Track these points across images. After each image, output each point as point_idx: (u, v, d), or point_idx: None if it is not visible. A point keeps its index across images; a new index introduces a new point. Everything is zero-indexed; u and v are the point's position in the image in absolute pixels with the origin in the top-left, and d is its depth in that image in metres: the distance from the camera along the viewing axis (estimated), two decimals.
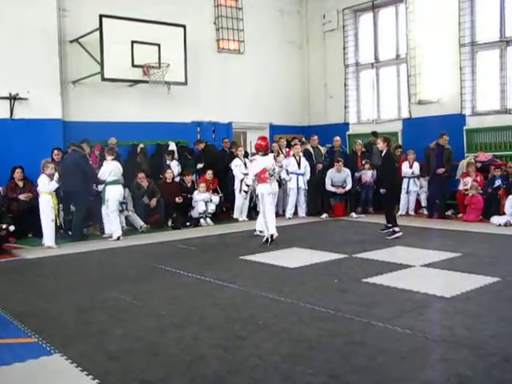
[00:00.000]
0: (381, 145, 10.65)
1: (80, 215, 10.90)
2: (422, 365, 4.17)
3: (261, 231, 10.27)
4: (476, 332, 4.80)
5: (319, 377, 3.96)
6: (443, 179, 12.42)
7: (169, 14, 13.62)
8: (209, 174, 13.00)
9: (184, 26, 13.59)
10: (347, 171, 13.33)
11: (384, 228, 10.63)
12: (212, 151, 14.15)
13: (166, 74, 13.14)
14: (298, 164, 13.17)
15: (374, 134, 14.58)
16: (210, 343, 4.72)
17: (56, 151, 11.50)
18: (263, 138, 10.24)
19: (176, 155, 13.90)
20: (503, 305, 5.63)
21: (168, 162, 13.45)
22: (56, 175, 10.02)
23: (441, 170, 12.31)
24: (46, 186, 9.89)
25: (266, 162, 9.94)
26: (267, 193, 9.85)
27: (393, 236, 10.09)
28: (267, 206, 9.85)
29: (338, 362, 4.21)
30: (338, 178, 13.29)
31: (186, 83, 13.77)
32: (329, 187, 13.31)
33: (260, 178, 9.92)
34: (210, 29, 15.42)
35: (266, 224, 9.80)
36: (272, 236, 9.74)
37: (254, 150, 11.69)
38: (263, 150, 9.97)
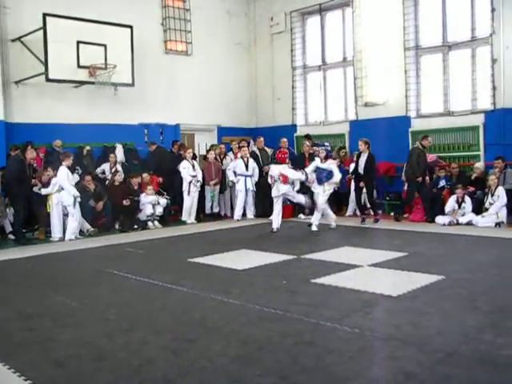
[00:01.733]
0: (362, 147, 12.01)
1: (18, 219, 10.79)
2: (370, 363, 4.22)
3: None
4: (422, 329, 4.88)
5: (268, 378, 3.95)
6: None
7: (115, 14, 13.46)
8: (145, 176, 12.83)
9: (131, 27, 13.44)
10: None
11: (375, 221, 11.93)
12: (162, 153, 14.03)
13: (112, 75, 12.96)
14: (246, 166, 13.21)
15: (308, 136, 14.82)
16: (159, 346, 4.67)
17: None
18: (281, 152, 11.83)
19: (122, 157, 13.70)
20: (448, 302, 5.75)
21: (111, 166, 13.13)
22: None
23: (427, 180, 12.43)
24: None
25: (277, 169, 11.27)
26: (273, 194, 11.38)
27: (377, 223, 11.79)
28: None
29: (287, 363, 4.21)
30: None
31: (133, 84, 13.62)
32: None
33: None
34: (157, 30, 15.27)
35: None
36: (272, 229, 11.17)
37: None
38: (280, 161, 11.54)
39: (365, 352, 4.44)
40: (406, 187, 12.89)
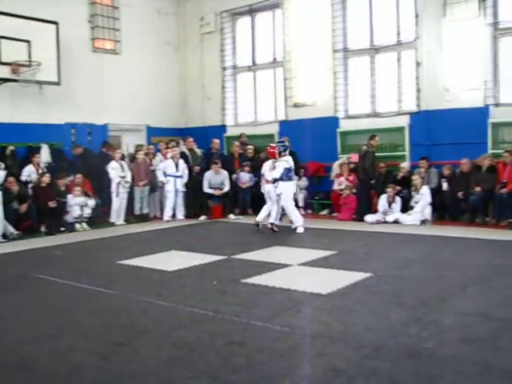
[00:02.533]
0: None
1: None
2: (300, 361, 4.26)
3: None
4: (350, 326, 4.97)
5: (199, 379, 3.93)
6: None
7: (40, 9, 13.01)
8: (78, 176, 12.53)
9: (56, 23, 13.07)
10: (225, 173, 13.45)
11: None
12: (88, 155, 13.71)
13: (37, 73, 12.57)
14: (176, 166, 13.12)
15: (243, 135, 15.02)
16: (87, 352, 4.56)
17: None
18: (270, 147, 11.11)
19: (47, 158, 13.28)
20: (375, 299, 5.88)
21: (36, 168, 12.63)
22: None
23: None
24: None
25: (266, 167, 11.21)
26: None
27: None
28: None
29: (218, 364, 4.20)
30: (216, 180, 13.37)
31: (59, 83, 13.26)
32: (206, 189, 13.35)
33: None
34: (84, 27, 14.89)
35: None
36: (258, 223, 11.07)
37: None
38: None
39: (295, 350, 4.48)
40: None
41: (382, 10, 13.89)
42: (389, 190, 11.89)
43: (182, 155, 13.69)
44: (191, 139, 14.39)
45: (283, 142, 11.47)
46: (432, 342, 4.49)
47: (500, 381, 3.77)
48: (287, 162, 10.84)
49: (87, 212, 12.32)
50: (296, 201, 11.79)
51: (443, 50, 12.59)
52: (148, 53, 16.27)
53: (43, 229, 11.76)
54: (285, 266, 7.67)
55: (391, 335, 4.68)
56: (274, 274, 7.23)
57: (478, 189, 11.22)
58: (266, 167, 11.32)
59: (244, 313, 5.43)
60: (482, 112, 12.16)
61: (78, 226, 12.11)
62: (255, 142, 15.08)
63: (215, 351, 4.45)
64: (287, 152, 11.10)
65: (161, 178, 13.25)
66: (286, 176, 10.73)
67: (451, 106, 12.50)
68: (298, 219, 10.96)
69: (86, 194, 12.56)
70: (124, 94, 15.46)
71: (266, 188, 11.26)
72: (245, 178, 13.78)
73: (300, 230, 10.85)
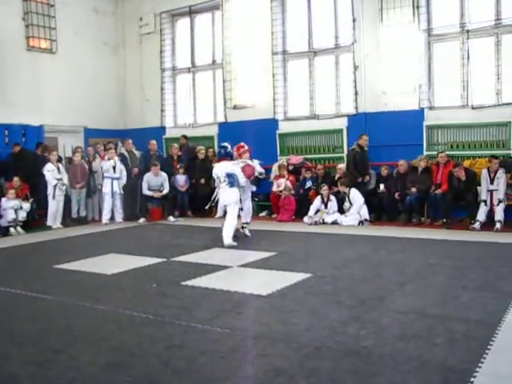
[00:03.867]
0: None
1: None
2: (241, 362, 4.25)
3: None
4: (291, 326, 5.00)
5: (139, 383, 3.88)
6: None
7: None
8: (16, 180, 12.19)
9: None
10: (164, 175, 13.33)
11: None
12: (24, 155, 13.34)
13: None
14: (114, 168, 12.92)
15: (184, 137, 15.04)
16: (22, 360, 4.40)
17: None
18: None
19: None
20: (315, 299, 5.93)
21: None
22: None
23: (367, 178, 12.39)
24: None
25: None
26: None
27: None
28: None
29: (159, 367, 4.15)
30: (155, 181, 13.25)
31: None
32: (145, 191, 13.21)
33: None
34: (18, 25, 14.47)
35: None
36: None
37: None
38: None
39: (236, 351, 4.47)
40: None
41: (320, 14, 14.10)
42: (323, 190, 12.04)
43: (121, 157, 13.50)
44: (130, 141, 14.22)
45: (224, 145, 10.59)
46: (370, 340, 4.57)
47: (435, 376, 3.86)
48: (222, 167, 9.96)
49: (22, 215, 11.97)
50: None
51: (380, 54, 12.87)
52: (85, 53, 15.96)
53: None
54: (225, 267, 7.66)
55: (331, 334, 4.73)
56: (215, 275, 7.21)
57: (413, 189, 11.51)
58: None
59: (184, 315, 5.38)
60: (418, 114, 12.51)
61: (12, 230, 11.75)
62: (194, 143, 15.02)
63: (156, 355, 4.40)
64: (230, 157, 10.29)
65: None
66: (228, 182, 9.73)
67: (388, 108, 12.81)
68: (226, 236, 9.55)
69: (26, 198, 12.23)
70: (61, 94, 15.12)
71: None
72: (181, 180, 13.71)
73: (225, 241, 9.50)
